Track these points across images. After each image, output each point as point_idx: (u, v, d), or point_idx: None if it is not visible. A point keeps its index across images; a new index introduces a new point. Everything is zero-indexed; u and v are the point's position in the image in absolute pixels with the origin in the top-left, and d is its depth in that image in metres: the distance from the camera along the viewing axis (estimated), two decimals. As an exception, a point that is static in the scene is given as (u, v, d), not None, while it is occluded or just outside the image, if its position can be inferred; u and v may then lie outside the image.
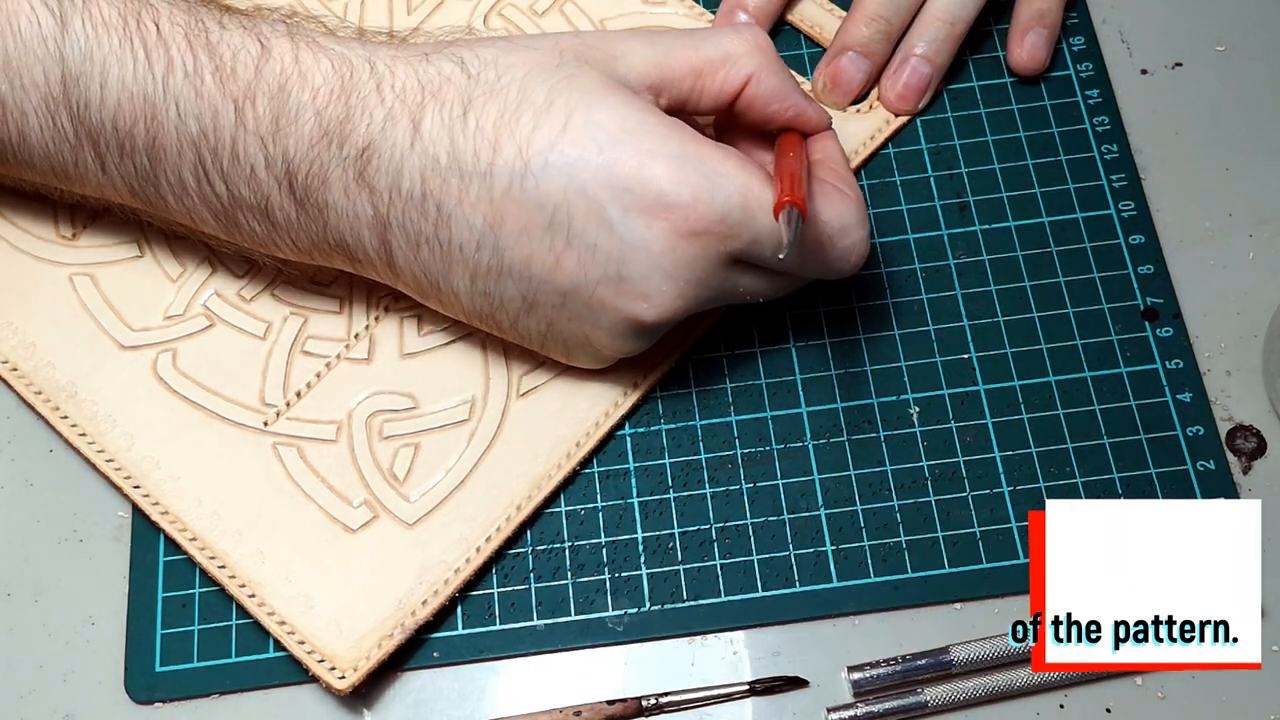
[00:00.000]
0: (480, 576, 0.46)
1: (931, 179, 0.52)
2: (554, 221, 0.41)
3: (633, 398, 0.48)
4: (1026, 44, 0.53)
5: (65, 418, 0.48)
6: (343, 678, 0.43)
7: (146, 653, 0.45)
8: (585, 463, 0.48)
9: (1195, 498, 0.46)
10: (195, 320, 0.49)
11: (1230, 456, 0.47)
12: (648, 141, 0.41)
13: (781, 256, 0.40)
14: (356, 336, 0.49)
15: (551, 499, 0.47)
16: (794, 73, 0.54)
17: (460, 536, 0.46)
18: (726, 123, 0.48)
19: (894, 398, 0.48)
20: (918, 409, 0.48)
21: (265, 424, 0.47)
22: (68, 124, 0.43)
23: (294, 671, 0.45)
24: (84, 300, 0.50)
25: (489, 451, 0.47)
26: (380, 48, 0.43)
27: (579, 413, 0.48)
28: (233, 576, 0.45)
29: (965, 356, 0.49)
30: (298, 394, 0.48)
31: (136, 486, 0.46)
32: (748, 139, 0.48)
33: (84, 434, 0.47)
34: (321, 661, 0.44)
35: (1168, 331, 0.49)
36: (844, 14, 0.53)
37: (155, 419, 0.48)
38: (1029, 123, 0.53)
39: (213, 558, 0.45)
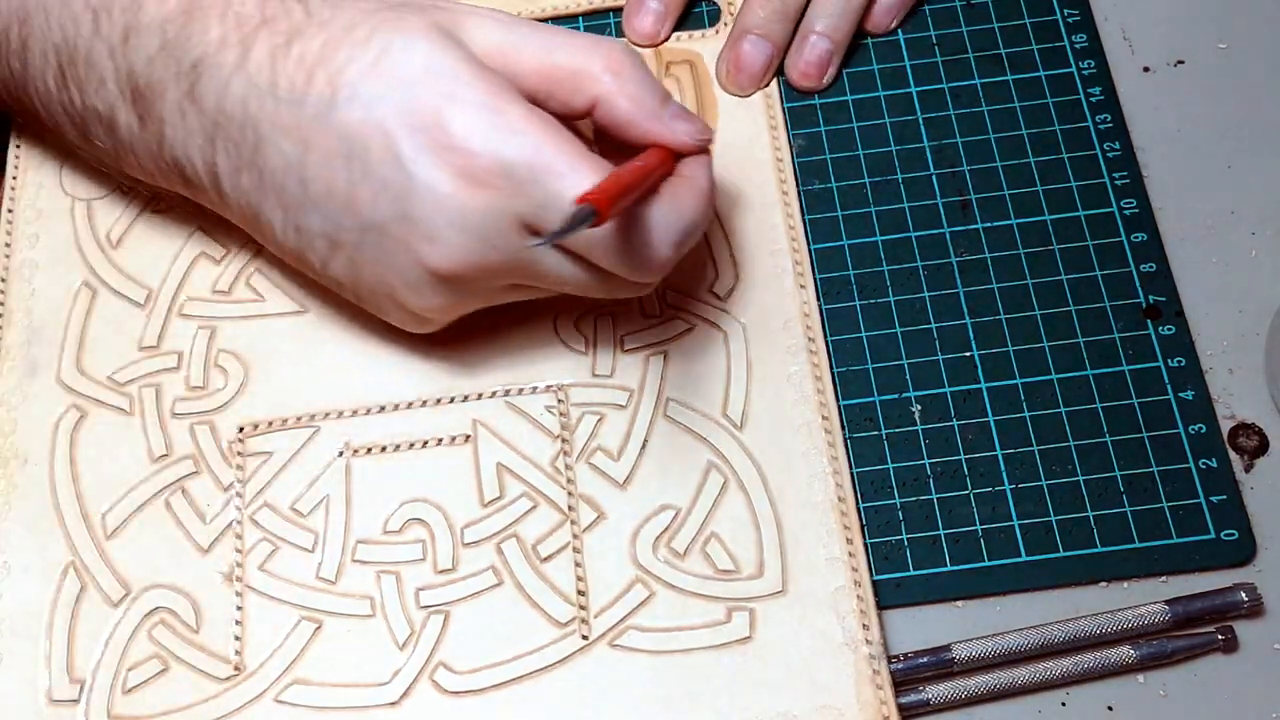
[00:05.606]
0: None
1: (933, 177, 0.52)
2: (352, 153, 0.42)
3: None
4: (805, 51, 0.53)
5: None
6: None
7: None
8: None
9: (1197, 496, 0.46)
10: None
11: (1232, 454, 0.47)
12: (452, 85, 0.41)
13: (541, 241, 0.39)
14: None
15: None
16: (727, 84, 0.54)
17: None
18: None
19: (896, 395, 0.48)
20: (920, 407, 0.48)
21: None
22: None
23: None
24: None
25: None
26: None
27: None
28: None
29: (967, 354, 0.49)
30: None
31: None
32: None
33: None
34: None
35: (1170, 329, 0.49)
36: None
37: None
38: (1031, 120, 0.53)
39: None
